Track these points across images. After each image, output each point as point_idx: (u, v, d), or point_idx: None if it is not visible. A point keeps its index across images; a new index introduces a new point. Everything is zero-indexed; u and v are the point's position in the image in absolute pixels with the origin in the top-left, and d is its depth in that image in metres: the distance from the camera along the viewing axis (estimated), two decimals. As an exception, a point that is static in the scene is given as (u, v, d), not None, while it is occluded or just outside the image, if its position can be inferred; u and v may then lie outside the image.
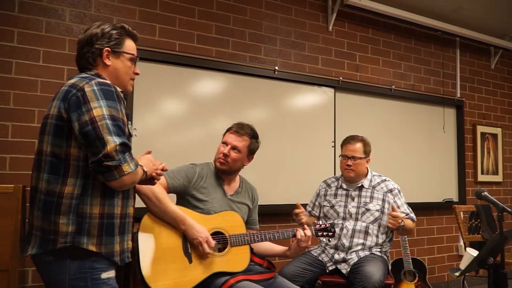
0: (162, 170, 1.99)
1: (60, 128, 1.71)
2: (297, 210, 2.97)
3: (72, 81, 1.76)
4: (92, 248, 1.69)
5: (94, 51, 1.85)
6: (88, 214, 1.69)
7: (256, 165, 2.87)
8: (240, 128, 2.61)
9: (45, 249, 1.70)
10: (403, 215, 3.00)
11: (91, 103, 1.66)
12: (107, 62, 1.86)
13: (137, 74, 1.98)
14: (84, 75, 1.81)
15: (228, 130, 2.67)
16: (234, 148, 2.57)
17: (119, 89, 1.83)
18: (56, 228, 1.67)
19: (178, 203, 2.52)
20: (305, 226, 2.63)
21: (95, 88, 1.69)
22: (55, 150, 1.72)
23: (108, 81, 1.77)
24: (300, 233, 2.57)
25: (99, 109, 1.65)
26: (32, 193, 1.78)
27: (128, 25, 1.97)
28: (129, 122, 1.85)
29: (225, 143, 2.61)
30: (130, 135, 1.84)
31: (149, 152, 2.00)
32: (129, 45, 1.94)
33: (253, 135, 2.65)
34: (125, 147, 1.65)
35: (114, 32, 1.89)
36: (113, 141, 1.61)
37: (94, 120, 1.63)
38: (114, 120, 1.67)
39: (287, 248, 2.69)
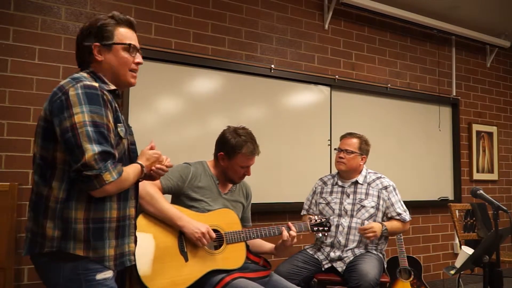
0: (167, 166, 1.93)
1: (47, 130, 1.67)
2: None
3: (63, 81, 1.70)
4: (80, 252, 1.63)
5: (84, 49, 1.78)
6: (72, 219, 1.63)
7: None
8: (256, 151, 2.58)
9: (32, 251, 1.68)
10: (380, 219, 3.04)
11: (73, 109, 1.59)
12: (99, 58, 1.77)
13: (139, 63, 1.85)
14: (76, 75, 1.73)
15: (243, 151, 2.54)
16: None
17: (111, 87, 1.77)
18: (44, 231, 1.64)
19: (173, 203, 2.51)
20: (290, 225, 2.64)
21: (79, 91, 1.62)
22: (43, 153, 1.68)
23: (95, 84, 1.67)
24: (285, 233, 2.59)
25: (81, 115, 1.58)
26: (30, 194, 1.76)
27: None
28: (119, 124, 1.75)
29: (246, 166, 2.59)
30: (120, 138, 1.76)
31: (152, 148, 1.94)
32: (121, 34, 1.81)
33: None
34: (107, 155, 1.59)
35: (101, 23, 1.79)
36: (91, 150, 1.55)
37: (75, 126, 1.57)
38: (96, 126, 1.60)
39: (274, 246, 2.72)
